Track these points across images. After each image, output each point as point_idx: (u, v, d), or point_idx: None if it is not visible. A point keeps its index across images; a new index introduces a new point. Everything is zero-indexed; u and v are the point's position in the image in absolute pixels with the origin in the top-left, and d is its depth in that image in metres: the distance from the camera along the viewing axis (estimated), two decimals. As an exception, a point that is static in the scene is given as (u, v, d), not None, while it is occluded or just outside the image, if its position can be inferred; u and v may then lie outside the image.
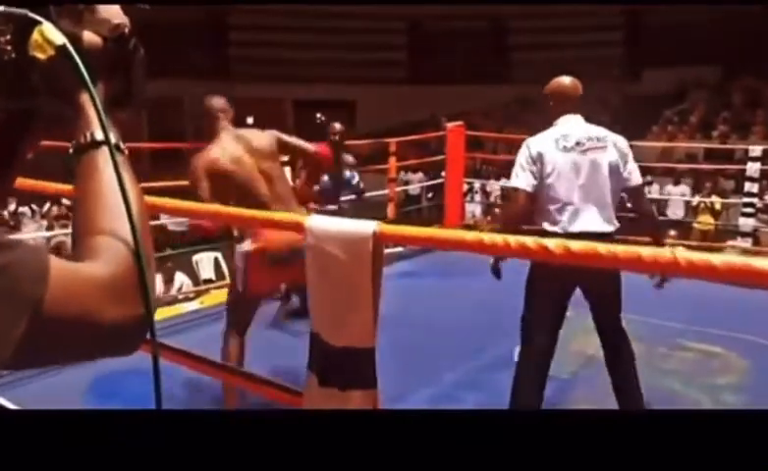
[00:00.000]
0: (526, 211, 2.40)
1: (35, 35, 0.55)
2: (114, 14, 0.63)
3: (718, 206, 7.95)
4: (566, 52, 17.83)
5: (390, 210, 5.73)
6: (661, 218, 8.07)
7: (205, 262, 7.03)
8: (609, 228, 2.36)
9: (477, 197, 9.73)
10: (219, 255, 7.03)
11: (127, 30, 0.64)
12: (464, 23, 18.97)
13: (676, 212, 8.74)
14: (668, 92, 14.97)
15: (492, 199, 10.06)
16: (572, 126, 2.46)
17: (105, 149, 0.58)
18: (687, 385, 3.01)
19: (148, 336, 0.57)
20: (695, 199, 8.22)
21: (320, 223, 1.05)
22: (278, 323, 4.02)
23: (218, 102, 2.73)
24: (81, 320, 0.49)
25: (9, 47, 0.53)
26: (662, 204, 8.76)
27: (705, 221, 7.77)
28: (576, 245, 0.85)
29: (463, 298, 4.26)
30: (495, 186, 9.53)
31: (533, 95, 14.50)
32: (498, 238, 0.95)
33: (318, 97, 19.81)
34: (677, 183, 9.11)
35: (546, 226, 2.37)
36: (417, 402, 2.84)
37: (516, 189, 2.40)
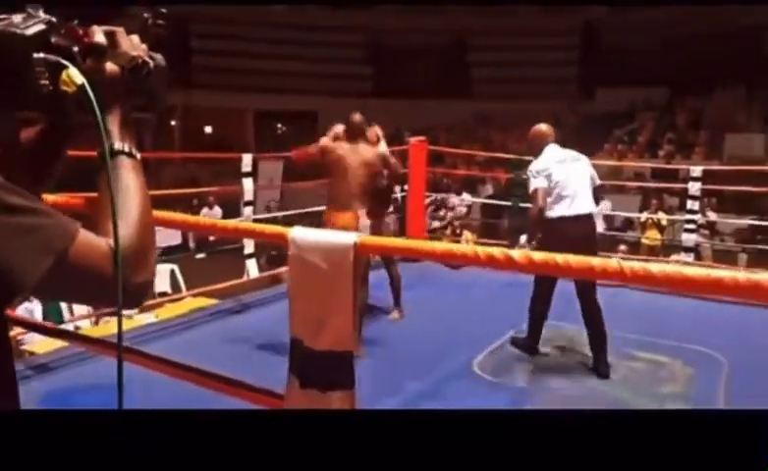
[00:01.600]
0: (545, 204, 3.47)
1: (63, 76, 0.74)
2: (131, 46, 0.82)
3: (664, 222, 8.34)
4: (523, 70, 18.37)
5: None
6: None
7: (161, 274, 6.91)
8: (592, 209, 3.59)
9: (439, 211, 9.91)
10: (175, 267, 6.94)
11: (140, 60, 0.82)
12: (426, 38, 19.29)
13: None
14: (619, 111, 15.59)
15: (453, 213, 10.22)
16: (556, 151, 3.65)
17: (119, 157, 0.78)
18: (636, 393, 3.17)
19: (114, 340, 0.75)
20: (643, 216, 8.60)
21: (302, 234, 1.13)
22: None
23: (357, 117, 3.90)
24: (91, 272, 0.69)
25: (47, 82, 0.73)
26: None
27: (653, 236, 8.14)
28: (538, 256, 0.95)
29: (421, 309, 4.36)
30: (455, 200, 9.70)
31: (491, 111, 14.87)
32: (478, 250, 1.04)
33: (280, 108, 19.72)
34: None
35: (555, 212, 3.46)
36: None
37: (536, 189, 3.48)
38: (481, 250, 1.02)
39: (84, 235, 0.69)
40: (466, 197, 10.18)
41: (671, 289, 0.94)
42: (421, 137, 5.84)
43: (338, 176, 3.74)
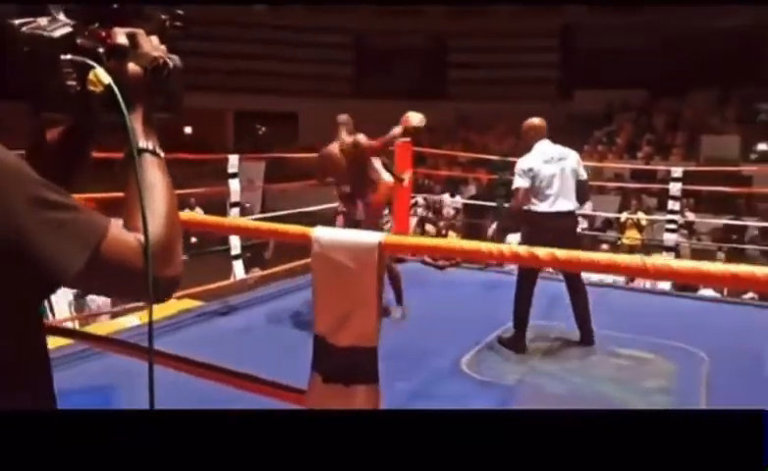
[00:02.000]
0: (526, 200, 3.72)
1: (91, 76, 0.76)
2: (152, 47, 0.84)
3: (644, 222, 8.49)
4: (502, 72, 18.53)
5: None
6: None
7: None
8: (573, 207, 3.78)
9: (420, 211, 9.93)
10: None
11: (161, 61, 0.84)
12: (406, 39, 19.35)
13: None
14: (597, 113, 15.81)
15: (444, 214, 10.25)
16: (545, 148, 3.79)
17: (144, 155, 0.80)
18: (621, 388, 3.23)
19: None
20: (623, 216, 8.74)
21: (326, 234, 1.15)
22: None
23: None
24: (122, 267, 0.71)
25: (74, 83, 0.75)
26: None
27: (632, 236, 8.27)
28: (561, 254, 0.97)
29: (409, 309, 4.38)
30: (448, 202, 9.71)
31: (471, 113, 14.99)
32: (504, 248, 1.07)
33: (260, 109, 19.61)
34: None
35: (539, 208, 3.69)
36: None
37: (518, 188, 3.73)
38: (507, 248, 1.04)
39: (116, 230, 0.71)
40: (458, 199, 10.22)
41: (694, 283, 0.96)
42: (406, 139, 5.84)
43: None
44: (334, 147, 4.26)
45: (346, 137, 4.24)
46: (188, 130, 19.78)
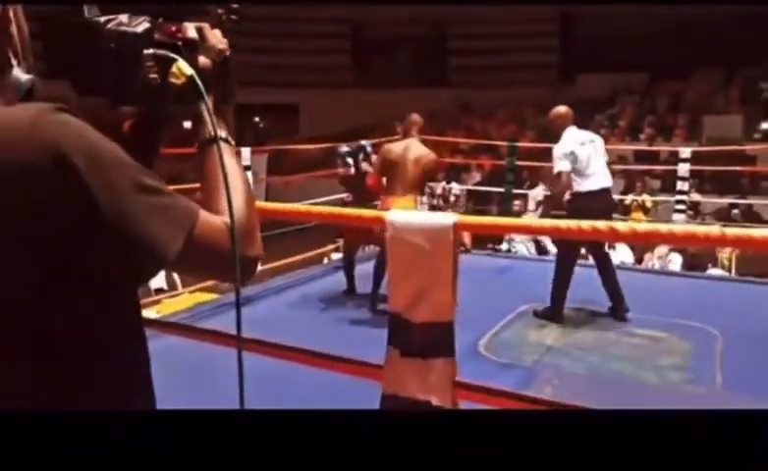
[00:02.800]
0: (569, 181, 3.92)
1: (174, 68, 0.80)
2: (218, 40, 0.88)
3: (649, 204, 8.51)
4: (503, 57, 18.46)
5: None
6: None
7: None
8: (610, 184, 4.09)
9: (424, 198, 9.92)
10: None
11: (227, 53, 0.89)
12: (405, 27, 19.28)
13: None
14: (600, 96, 15.77)
15: (437, 200, 10.19)
16: (576, 133, 4.06)
17: (221, 143, 0.84)
18: (638, 367, 3.29)
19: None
20: (628, 198, 8.77)
21: (401, 217, 1.20)
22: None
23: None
24: (212, 248, 0.74)
25: (156, 75, 0.80)
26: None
27: (638, 217, 8.28)
28: (642, 227, 1.02)
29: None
30: (456, 189, 9.64)
31: (472, 99, 14.89)
32: (584, 225, 1.11)
33: (260, 101, 19.55)
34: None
35: (578, 187, 3.92)
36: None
37: (561, 172, 3.93)
38: (586, 224, 1.09)
39: (204, 214, 0.75)
40: (466, 185, 10.17)
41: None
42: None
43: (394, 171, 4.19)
44: (402, 149, 4.18)
45: (422, 147, 4.26)
46: (186, 124, 19.75)
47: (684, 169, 5.22)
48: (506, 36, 18.42)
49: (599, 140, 4.13)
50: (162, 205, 0.70)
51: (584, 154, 3.93)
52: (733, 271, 6.73)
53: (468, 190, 10.21)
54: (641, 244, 6.72)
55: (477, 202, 9.77)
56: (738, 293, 4.87)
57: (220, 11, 0.94)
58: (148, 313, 4.85)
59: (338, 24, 19.69)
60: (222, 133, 0.85)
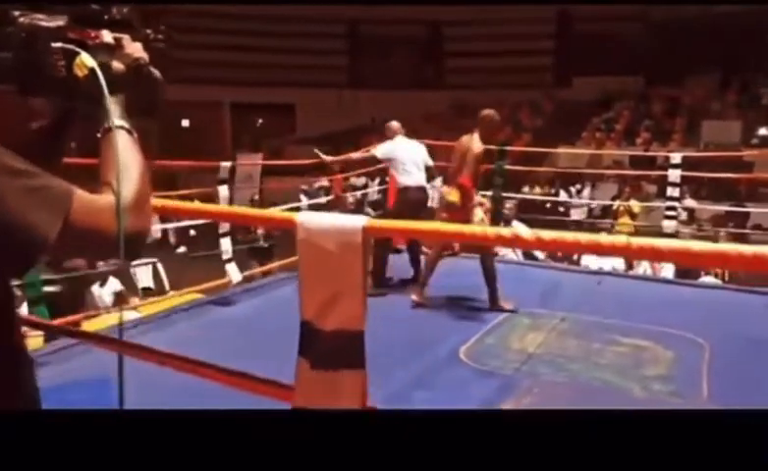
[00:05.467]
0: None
1: (77, 60, 0.86)
2: (135, 50, 0.94)
3: (636, 209, 8.44)
4: (500, 59, 18.41)
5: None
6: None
7: (143, 269, 6.80)
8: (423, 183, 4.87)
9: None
10: (158, 262, 6.83)
11: (141, 62, 0.94)
12: (402, 28, 19.23)
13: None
14: (595, 100, 15.73)
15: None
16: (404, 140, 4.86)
17: (119, 130, 0.87)
18: (622, 377, 3.21)
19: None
20: (615, 203, 8.69)
21: (311, 218, 1.16)
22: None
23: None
24: (95, 229, 0.75)
25: (62, 68, 0.85)
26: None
27: (625, 222, 8.19)
28: (547, 235, 0.95)
29: (408, 296, 4.35)
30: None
31: (469, 101, 14.81)
32: (488, 230, 1.03)
33: (257, 100, 19.50)
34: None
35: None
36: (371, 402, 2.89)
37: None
38: (491, 230, 1.01)
39: (83, 194, 0.76)
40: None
41: (678, 263, 0.96)
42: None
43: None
44: (474, 141, 4.24)
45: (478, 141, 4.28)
46: (185, 122, 19.70)
47: (674, 174, 5.15)
48: (502, 38, 18.39)
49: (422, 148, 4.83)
50: (36, 188, 0.70)
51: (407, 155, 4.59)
52: (726, 277, 6.66)
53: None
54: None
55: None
56: (728, 302, 4.79)
57: (148, 31, 1.03)
58: (130, 312, 4.78)
59: (334, 24, 19.65)
60: (124, 124, 0.89)
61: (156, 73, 0.96)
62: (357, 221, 1.13)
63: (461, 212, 4.14)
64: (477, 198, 4.40)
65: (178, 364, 1.30)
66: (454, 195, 4.19)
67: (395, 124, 5.01)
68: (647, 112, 14.99)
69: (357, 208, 6.53)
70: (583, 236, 0.94)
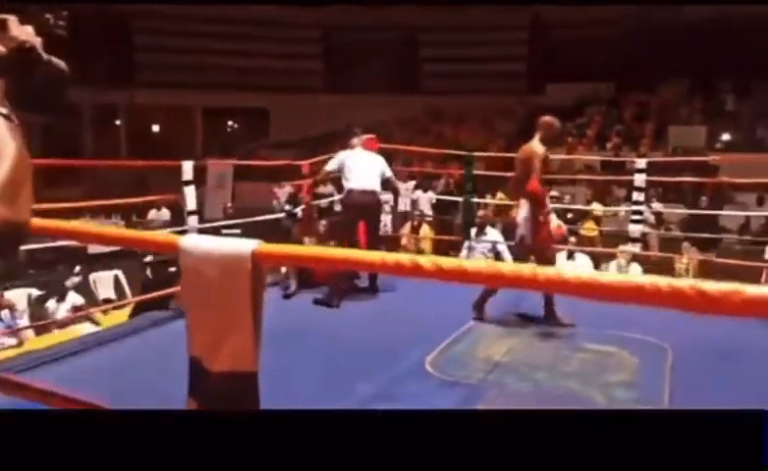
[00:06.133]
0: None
1: None
2: (22, 33, 0.84)
3: (599, 213, 8.51)
4: (474, 65, 18.51)
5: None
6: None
7: (104, 281, 6.61)
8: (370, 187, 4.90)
9: (387, 207, 9.76)
10: (119, 273, 6.65)
11: (29, 45, 0.84)
12: (378, 33, 19.22)
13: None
14: (568, 105, 15.89)
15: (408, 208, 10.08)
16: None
17: None
18: (584, 384, 3.19)
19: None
20: (575, 207, 8.76)
21: (195, 242, 1.04)
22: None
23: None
24: None
25: None
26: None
27: (590, 227, 8.25)
28: (447, 264, 0.90)
29: (373, 306, 4.31)
30: (420, 196, 9.50)
31: (443, 106, 14.85)
32: (388, 256, 0.96)
33: (229, 105, 19.27)
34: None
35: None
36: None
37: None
38: (389, 257, 0.94)
39: None
40: (431, 194, 10.02)
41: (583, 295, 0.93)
42: (371, 135, 5.77)
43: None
44: (536, 146, 4.19)
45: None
46: (155, 128, 19.37)
47: (640, 179, 5.19)
48: (477, 44, 18.49)
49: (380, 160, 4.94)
50: None
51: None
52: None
53: (434, 200, 10.09)
54: (598, 253, 6.71)
55: (441, 212, 9.66)
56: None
57: (48, 16, 0.90)
58: (87, 326, 4.64)
59: (310, 28, 19.55)
60: (3, 110, 0.81)
61: (56, 61, 0.88)
62: (246, 245, 1.00)
63: (535, 222, 4.06)
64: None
65: (58, 402, 1.14)
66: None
67: (355, 140, 5.01)
68: (618, 117, 15.19)
69: (323, 215, 6.44)
70: (482, 265, 0.90)
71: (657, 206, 8.71)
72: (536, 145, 4.17)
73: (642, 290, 0.85)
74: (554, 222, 4.20)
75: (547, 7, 17.17)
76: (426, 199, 9.56)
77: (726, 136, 13.53)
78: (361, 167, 4.81)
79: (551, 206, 4.39)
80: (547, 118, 4.34)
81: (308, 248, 1.11)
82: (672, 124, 13.78)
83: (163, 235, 1.04)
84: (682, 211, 9.05)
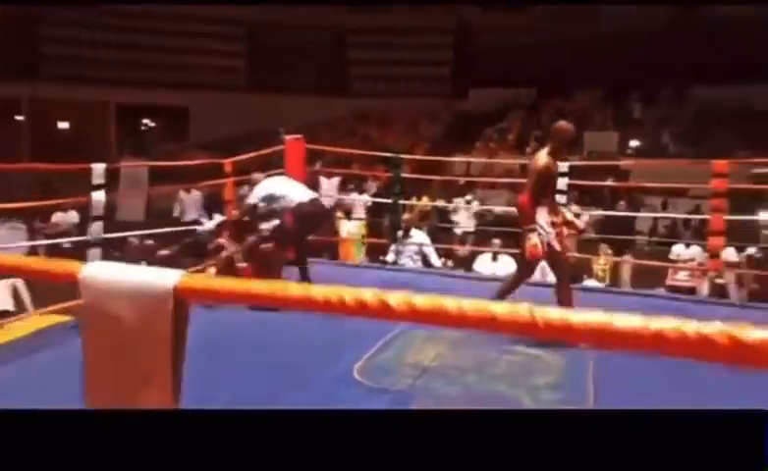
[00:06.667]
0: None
1: None
2: None
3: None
4: (401, 68, 18.65)
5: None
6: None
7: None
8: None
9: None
10: (18, 282, 6.08)
11: None
12: (305, 33, 18.96)
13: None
14: (490, 110, 16.32)
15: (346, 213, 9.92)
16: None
17: None
18: (511, 386, 3.21)
19: None
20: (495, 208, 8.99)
21: (100, 273, 0.81)
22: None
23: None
24: None
25: None
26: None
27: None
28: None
29: (288, 317, 4.16)
30: (355, 199, 9.35)
31: (370, 109, 14.86)
32: (313, 291, 0.83)
33: (146, 102, 18.37)
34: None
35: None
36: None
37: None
38: (316, 291, 0.81)
39: None
40: (365, 197, 9.90)
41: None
42: (298, 136, 5.61)
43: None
44: (540, 155, 4.01)
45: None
46: (63, 124, 18.12)
47: (562, 182, 5.33)
48: (404, 48, 18.64)
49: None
50: None
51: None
52: (607, 280, 7.04)
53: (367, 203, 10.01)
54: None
55: (373, 214, 9.60)
56: (614, 306, 5.02)
57: None
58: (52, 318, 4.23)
59: (232, 24, 18.99)
60: None
61: None
62: (166, 278, 0.79)
63: (524, 234, 3.93)
64: (548, 217, 3.99)
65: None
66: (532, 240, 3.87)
67: (256, 175, 4.90)
68: (537, 122, 15.75)
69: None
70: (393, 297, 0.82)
71: (575, 209, 9.04)
72: (541, 157, 3.98)
73: (664, 338, 0.72)
74: (531, 241, 3.92)
75: (473, 11, 17.58)
76: (361, 201, 9.47)
77: (634, 142, 14.38)
78: (291, 185, 4.76)
79: (560, 218, 4.15)
80: (559, 124, 4.11)
81: (253, 283, 0.85)
82: (587, 130, 14.46)
83: (60, 262, 0.81)
84: (597, 212, 9.45)
